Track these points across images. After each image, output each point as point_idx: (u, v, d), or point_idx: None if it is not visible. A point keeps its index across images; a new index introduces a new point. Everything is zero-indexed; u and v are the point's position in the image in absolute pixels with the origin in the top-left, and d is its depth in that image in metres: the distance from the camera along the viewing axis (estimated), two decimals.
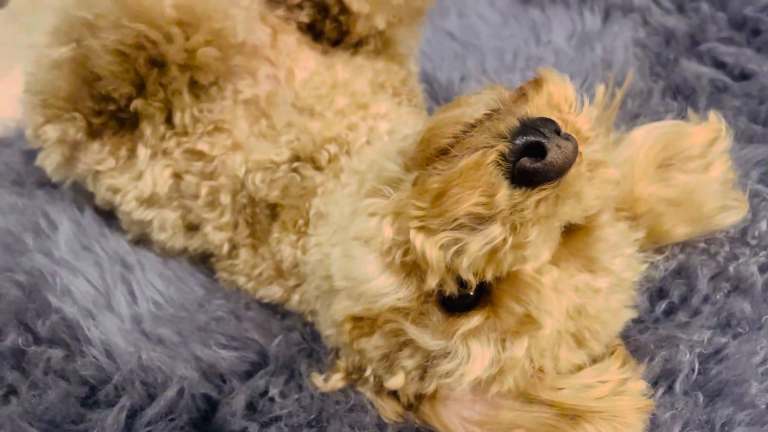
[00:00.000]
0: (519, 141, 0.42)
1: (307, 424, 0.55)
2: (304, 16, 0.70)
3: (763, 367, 0.55)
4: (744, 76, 0.89)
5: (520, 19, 1.07)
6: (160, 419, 0.55)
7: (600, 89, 0.66)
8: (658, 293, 0.64)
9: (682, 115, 0.81)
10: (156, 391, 0.57)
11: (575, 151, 0.43)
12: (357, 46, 0.73)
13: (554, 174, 0.42)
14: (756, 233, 0.65)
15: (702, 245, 0.65)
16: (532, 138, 0.42)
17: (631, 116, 0.83)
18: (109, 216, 0.74)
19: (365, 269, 0.49)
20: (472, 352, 0.48)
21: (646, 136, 0.66)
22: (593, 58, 0.94)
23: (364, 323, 0.52)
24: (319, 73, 0.68)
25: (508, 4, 1.09)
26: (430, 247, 0.45)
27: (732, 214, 0.63)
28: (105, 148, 0.66)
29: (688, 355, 0.56)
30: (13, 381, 0.58)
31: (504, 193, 0.43)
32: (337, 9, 0.69)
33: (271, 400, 0.57)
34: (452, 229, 0.45)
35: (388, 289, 0.48)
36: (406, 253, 0.47)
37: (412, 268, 0.48)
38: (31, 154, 0.87)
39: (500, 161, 0.43)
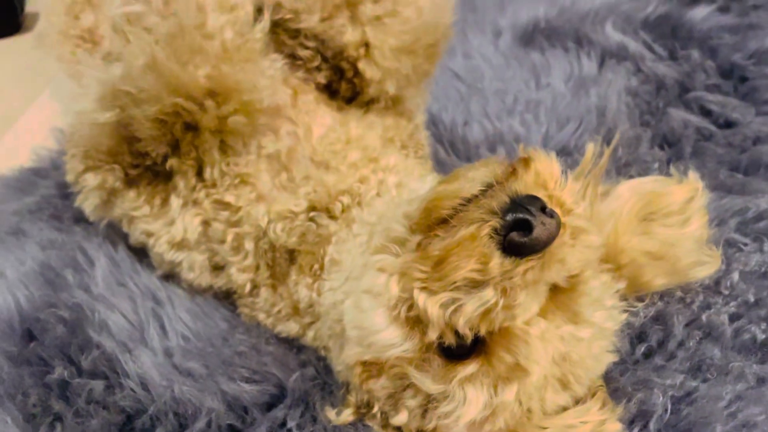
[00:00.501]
0: (509, 217, 0.49)
1: None
2: (322, 78, 0.77)
3: (728, 411, 0.61)
4: (728, 124, 0.96)
5: (522, 61, 1.14)
6: None
7: (590, 146, 0.73)
8: (637, 337, 0.70)
9: (668, 164, 0.88)
10: (187, 422, 0.64)
11: (558, 227, 0.49)
12: (369, 103, 0.80)
13: (540, 247, 0.49)
14: (728, 284, 0.71)
15: (679, 294, 0.71)
16: (520, 215, 0.49)
17: (621, 164, 0.90)
18: (140, 253, 0.82)
19: (374, 321, 0.56)
20: (468, 396, 0.55)
21: (631, 191, 0.73)
22: (588, 104, 1.01)
23: (372, 367, 0.59)
24: (335, 129, 0.75)
25: (510, 47, 1.16)
26: (431, 306, 0.52)
27: (705, 268, 0.70)
28: (141, 197, 0.73)
29: (661, 398, 0.63)
30: (60, 410, 0.65)
31: (496, 262, 0.49)
32: (352, 72, 0.76)
33: (289, 431, 0.64)
34: (451, 290, 0.51)
35: (394, 340, 0.55)
36: (410, 308, 0.54)
37: (416, 321, 0.54)
38: (65, 187, 0.94)
39: (493, 234, 0.49)
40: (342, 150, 0.74)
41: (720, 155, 0.91)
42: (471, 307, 0.51)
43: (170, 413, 0.64)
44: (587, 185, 0.73)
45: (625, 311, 0.68)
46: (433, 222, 0.54)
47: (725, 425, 0.61)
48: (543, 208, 0.49)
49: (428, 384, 0.56)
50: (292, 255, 0.72)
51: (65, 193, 0.95)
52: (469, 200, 0.52)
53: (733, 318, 0.69)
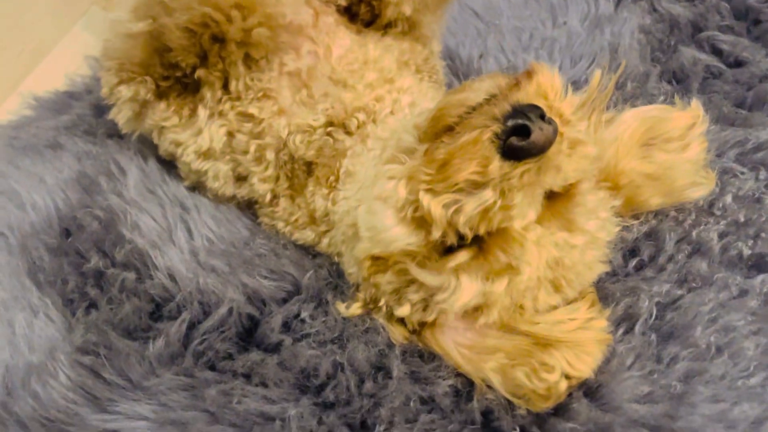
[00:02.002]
0: (509, 123, 0.54)
1: (331, 341, 0.68)
2: (343, 0, 0.81)
3: (709, 316, 0.66)
4: (738, 63, 0.98)
5: (540, 0, 1.16)
6: (213, 331, 0.68)
7: (596, 74, 0.76)
8: (630, 252, 0.75)
9: (673, 98, 0.90)
10: (210, 309, 0.70)
11: (555, 133, 0.54)
12: (386, 27, 0.83)
13: (536, 151, 0.54)
14: (721, 205, 0.75)
15: (672, 213, 0.75)
16: (519, 121, 0.53)
17: (629, 97, 0.93)
18: (169, 165, 0.87)
19: (383, 221, 0.61)
20: (462, 283, 0.59)
21: (634, 117, 0.76)
22: (602, 42, 1.03)
23: (380, 262, 0.65)
24: (353, 50, 0.79)
25: None
26: (435, 206, 0.57)
27: (700, 189, 0.74)
28: (170, 108, 0.78)
29: (647, 303, 0.68)
30: (95, 296, 0.72)
31: (496, 165, 0.54)
32: None
33: (302, 321, 0.70)
34: (453, 192, 0.56)
35: (400, 236, 0.60)
36: (416, 209, 0.59)
37: (421, 222, 0.59)
38: (99, 107, 1.01)
39: (494, 139, 0.54)
40: (359, 70, 0.78)
41: (726, 92, 0.93)
42: (471, 206, 0.55)
43: (195, 302, 0.70)
44: (592, 110, 0.76)
45: (620, 227, 0.73)
46: (440, 130, 0.59)
47: (706, 328, 0.65)
48: (542, 116, 0.54)
49: (427, 277, 0.61)
50: (309, 167, 0.77)
51: (98, 112, 1.00)
52: (473, 109, 0.57)
53: (723, 235, 0.73)
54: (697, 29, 1.03)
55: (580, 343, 0.63)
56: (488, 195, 0.55)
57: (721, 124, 0.87)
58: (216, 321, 0.69)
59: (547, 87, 0.58)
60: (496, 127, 0.54)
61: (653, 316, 0.67)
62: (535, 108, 0.54)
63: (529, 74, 0.58)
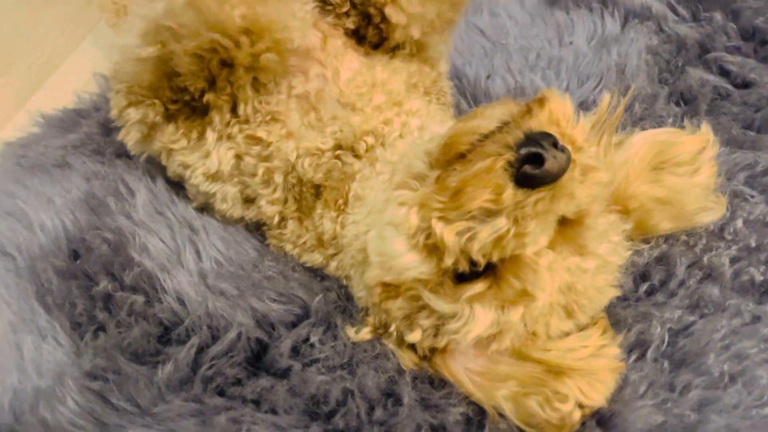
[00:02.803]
0: (523, 151, 0.54)
1: (341, 366, 0.68)
2: (350, 23, 0.81)
3: (722, 343, 0.65)
4: (745, 84, 0.98)
5: (547, 19, 1.16)
6: (222, 356, 0.68)
7: (606, 97, 0.76)
8: (641, 276, 0.74)
9: (682, 120, 0.91)
10: (219, 334, 0.70)
11: (568, 161, 0.54)
12: (394, 49, 0.84)
13: (550, 179, 0.54)
14: (732, 229, 0.75)
15: (683, 237, 0.75)
16: (533, 149, 0.53)
17: (637, 119, 0.93)
18: (177, 186, 0.87)
19: (395, 248, 0.61)
20: (476, 314, 0.59)
21: (644, 141, 0.76)
22: (609, 62, 1.03)
23: (391, 289, 0.64)
24: (361, 73, 0.79)
25: (536, 5, 1.19)
26: (448, 234, 0.56)
27: (710, 213, 0.74)
28: (179, 131, 0.78)
29: (659, 329, 0.67)
30: (103, 320, 0.72)
31: (509, 193, 0.54)
32: (379, 18, 0.79)
33: (312, 345, 0.69)
34: (466, 220, 0.56)
35: (413, 264, 0.60)
36: (428, 237, 0.58)
37: (433, 249, 0.59)
38: (107, 126, 1.01)
39: (507, 167, 0.54)
40: (368, 93, 0.78)
41: (735, 113, 0.93)
42: (485, 234, 0.55)
43: (204, 326, 0.70)
44: (602, 134, 0.76)
45: (631, 251, 0.73)
46: (451, 157, 0.59)
47: (719, 356, 0.65)
48: (555, 144, 0.54)
49: (441, 304, 0.61)
50: (318, 190, 0.77)
51: (106, 130, 1.00)
52: (486, 136, 0.57)
53: (734, 260, 0.72)
54: (705, 50, 1.04)
55: (593, 371, 0.62)
56: (502, 223, 0.55)
57: (730, 146, 0.87)
58: (225, 346, 0.68)
59: (559, 114, 0.58)
60: (510, 155, 0.54)
61: (665, 343, 0.67)
62: (548, 136, 0.54)
63: (541, 101, 0.58)
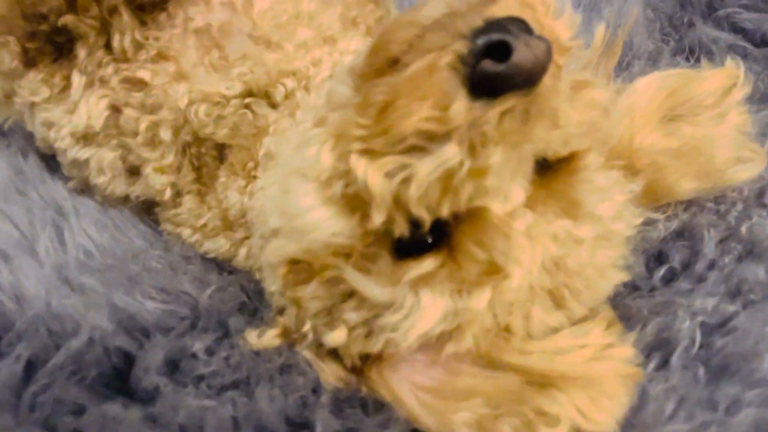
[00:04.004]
0: (480, 40, 0.35)
1: (232, 385, 0.47)
2: None
3: None
4: (766, 42, 0.81)
5: None
6: (59, 371, 0.47)
7: (600, 29, 0.59)
8: (656, 257, 0.55)
9: None
10: (61, 341, 0.49)
11: (548, 53, 0.35)
12: None
13: (522, 79, 0.35)
14: None
15: (710, 204, 0.56)
16: (496, 36, 0.34)
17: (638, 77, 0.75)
18: (54, 162, 0.68)
19: (299, 202, 0.42)
20: (422, 302, 0.40)
21: (650, 83, 0.58)
22: (600, 22, 0.86)
23: (300, 268, 0.45)
24: (281, 2, 0.61)
25: None
26: (372, 174, 0.37)
27: (748, 167, 0.55)
28: (39, 76, 0.59)
29: (688, 324, 0.47)
30: None
31: (461, 105, 0.35)
32: None
33: (195, 357, 0.49)
34: (400, 153, 0.37)
35: (323, 222, 0.41)
36: (348, 184, 0.39)
37: (357, 202, 0.40)
38: None
39: (457, 65, 0.35)
40: (288, 24, 0.60)
41: (757, 71, 0.75)
42: (425, 169, 0.36)
43: (42, 329, 0.49)
44: (598, 75, 0.58)
45: (641, 225, 0.53)
46: (381, 65, 0.40)
47: None
48: (528, 31, 0.35)
49: (371, 287, 0.41)
50: (222, 151, 0.59)
51: None
52: (428, 28, 0.38)
53: None
54: (713, 8, 0.87)
55: (596, 380, 0.42)
56: (451, 151, 0.36)
57: (758, 103, 0.68)
58: (66, 358, 0.47)
59: None
60: (461, 46, 0.35)
61: (697, 343, 0.47)
62: (518, 21, 0.35)
63: None
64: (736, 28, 0.83)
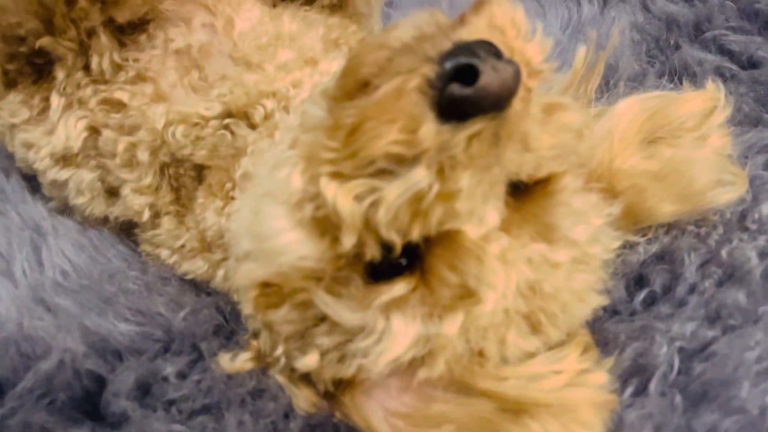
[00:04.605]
0: (448, 64, 0.34)
1: (203, 410, 0.46)
2: None
3: (759, 366, 0.45)
4: (753, 64, 0.81)
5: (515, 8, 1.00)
6: (28, 395, 0.46)
7: (581, 50, 0.59)
8: (637, 281, 0.54)
9: None
10: (31, 363, 0.48)
11: (516, 76, 0.35)
12: (310, 1, 0.66)
13: (489, 103, 0.34)
14: (756, 216, 0.55)
15: (690, 227, 0.55)
16: (463, 59, 0.34)
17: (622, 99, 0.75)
18: (37, 182, 0.67)
19: (270, 225, 0.41)
20: (393, 327, 0.39)
21: (630, 106, 0.58)
22: (588, 35, 0.86)
23: (272, 291, 0.44)
24: (263, 23, 0.61)
25: None
26: (342, 197, 0.37)
27: (728, 190, 0.54)
28: (18, 98, 0.59)
29: (666, 349, 0.47)
30: None
31: (429, 127, 0.34)
32: None
33: (165, 380, 0.48)
34: (370, 176, 0.36)
35: (293, 244, 0.40)
36: (319, 207, 0.39)
37: (327, 225, 0.39)
38: None
39: (425, 89, 0.35)
40: (270, 46, 0.60)
41: (742, 93, 0.75)
42: (394, 192, 0.36)
43: (12, 350, 0.49)
44: (577, 99, 0.58)
45: (621, 248, 0.53)
46: (352, 87, 0.39)
47: (756, 385, 0.44)
48: (497, 54, 0.35)
49: (341, 312, 0.40)
50: (200, 173, 0.58)
51: None
52: (398, 51, 0.38)
53: (763, 255, 0.52)
54: (700, 30, 0.87)
55: (570, 407, 0.41)
56: (420, 175, 0.35)
57: (742, 126, 0.68)
58: (35, 381, 0.47)
59: (504, 21, 0.39)
60: (428, 70, 0.35)
61: (675, 369, 0.46)
62: (486, 44, 0.35)
63: (478, 5, 0.39)
64: (723, 50, 0.83)
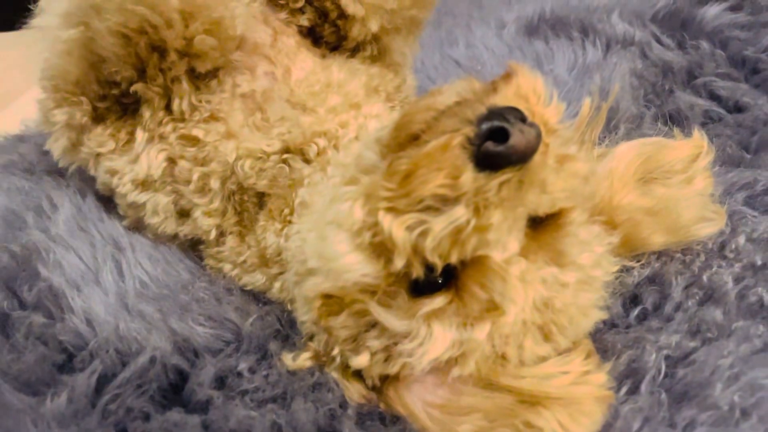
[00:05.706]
0: (484, 126, 0.44)
1: (272, 399, 0.56)
2: (305, 20, 0.74)
3: (730, 371, 0.54)
4: (738, 108, 0.91)
5: (525, 50, 1.10)
6: (129, 385, 0.56)
7: (586, 101, 0.69)
8: (631, 299, 0.64)
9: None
10: (129, 359, 0.58)
11: (538, 137, 0.45)
12: (354, 51, 0.76)
13: (516, 157, 0.44)
14: (734, 246, 0.65)
15: (678, 255, 0.65)
16: (496, 123, 0.44)
17: (623, 140, 0.85)
18: (109, 203, 0.77)
19: (336, 248, 0.51)
20: (434, 333, 0.49)
21: (628, 150, 0.68)
22: (591, 87, 0.96)
23: (333, 301, 0.54)
24: (315, 72, 0.71)
25: (513, 36, 1.13)
26: (396, 228, 0.47)
27: (709, 225, 0.64)
28: (107, 131, 0.69)
29: (654, 356, 0.56)
30: None
31: (468, 175, 0.44)
32: (336, 14, 0.72)
33: (240, 375, 0.58)
34: (419, 211, 0.46)
35: (354, 265, 0.50)
36: (376, 234, 0.49)
37: (381, 248, 0.49)
38: (44, 148, 0.91)
39: (466, 145, 0.45)
40: (321, 92, 0.70)
41: (728, 135, 0.85)
42: (439, 225, 0.46)
43: (111, 349, 0.58)
44: (582, 143, 0.69)
45: (619, 270, 0.63)
46: (404, 140, 0.50)
47: (727, 386, 0.54)
48: (522, 119, 0.45)
49: (392, 320, 0.50)
50: (261, 199, 0.68)
51: (44, 152, 0.91)
52: (443, 113, 0.48)
53: (738, 280, 0.62)
54: (692, 76, 0.97)
55: (575, 400, 0.51)
56: (460, 212, 0.45)
57: (726, 166, 0.78)
58: (133, 372, 0.56)
59: (528, 90, 0.49)
60: (469, 130, 0.45)
61: (662, 372, 0.56)
62: (515, 110, 0.45)
63: (507, 77, 0.50)
64: (713, 96, 0.93)
